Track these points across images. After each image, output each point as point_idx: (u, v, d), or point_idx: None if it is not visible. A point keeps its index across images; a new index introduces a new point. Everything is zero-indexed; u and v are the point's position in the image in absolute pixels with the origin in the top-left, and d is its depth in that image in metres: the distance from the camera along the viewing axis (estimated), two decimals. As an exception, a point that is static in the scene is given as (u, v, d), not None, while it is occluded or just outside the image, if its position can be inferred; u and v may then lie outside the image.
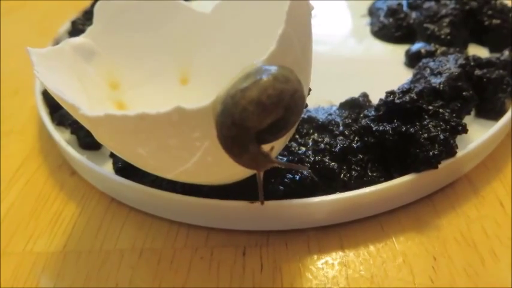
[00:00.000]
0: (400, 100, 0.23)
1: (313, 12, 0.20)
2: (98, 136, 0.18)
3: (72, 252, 0.22)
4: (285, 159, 0.23)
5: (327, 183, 0.22)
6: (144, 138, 0.17)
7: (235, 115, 0.15)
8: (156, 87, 0.24)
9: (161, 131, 0.16)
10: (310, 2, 0.20)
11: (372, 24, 0.35)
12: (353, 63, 0.32)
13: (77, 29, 0.35)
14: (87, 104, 0.21)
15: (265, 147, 0.17)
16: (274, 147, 0.17)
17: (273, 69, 0.15)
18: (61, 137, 0.27)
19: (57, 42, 0.34)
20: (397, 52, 0.32)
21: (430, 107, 0.23)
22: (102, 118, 0.16)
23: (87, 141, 0.26)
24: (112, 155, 0.25)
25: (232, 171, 0.19)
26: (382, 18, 0.34)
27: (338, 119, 0.24)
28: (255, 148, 0.16)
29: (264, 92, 0.15)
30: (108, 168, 0.25)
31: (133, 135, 0.17)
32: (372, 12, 0.36)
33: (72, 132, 0.27)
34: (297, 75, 0.16)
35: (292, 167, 0.21)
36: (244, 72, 0.16)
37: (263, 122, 0.15)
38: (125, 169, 0.24)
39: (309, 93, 0.22)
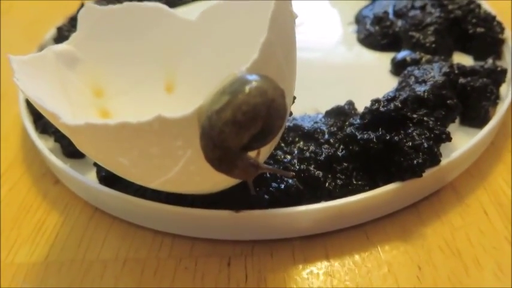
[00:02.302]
0: (385, 108, 0.23)
1: (299, 20, 0.20)
2: (79, 145, 0.18)
3: (54, 262, 0.22)
4: (270, 167, 0.23)
5: (312, 191, 0.22)
6: (126, 147, 0.16)
7: (214, 138, 0.15)
8: (141, 95, 0.24)
9: (142, 140, 0.16)
10: (294, 10, 0.20)
11: (358, 31, 0.35)
12: (340, 70, 0.32)
13: (62, 35, 0.34)
14: (70, 112, 0.21)
15: (252, 152, 0.17)
16: (260, 152, 0.17)
17: (248, 82, 0.15)
18: (44, 145, 0.26)
19: (42, 48, 0.34)
20: (383, 60, 0.32)
21: (415, 115, 0.23)
22: (83, 127, 0.16)
23: (70, 150, 0.26)
24: (96, 164, 0.25)
25: (216, 180, 0.19)
26: (368, 26, 0.34)
27: (324, 127, 0.24)
28: (244, 161, 0.16)
29: (238, 110, 0.15)
30: (92, 177, 0.25)
31: (115, 144, 0.16)
32: (359, 20, 0.36)
33: (55, 140, 0.27)
34: (277, 83, 0.16)
35: (277, 172, 0.21)
36: (222, 84, 0.15)
37: (243, 139, 0.15)
38: (109, 178, 0.23)
39: (293, 102, 0.22)
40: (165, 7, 0.24)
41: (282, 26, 0.18)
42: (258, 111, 0.15)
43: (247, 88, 0.15)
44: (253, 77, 0.15)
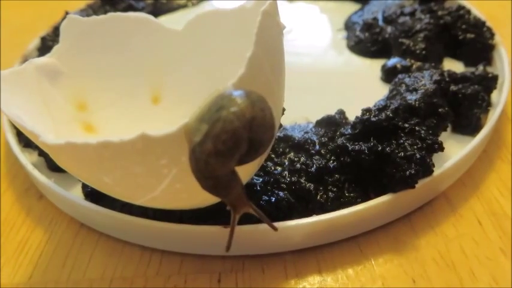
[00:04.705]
0: (376, 118, 0.23)
1: (288, 27, 0.20)
2: (61, 163, 0.18)
3: (38, 283, 0.21)
4: (261, 179, 0.23)
5: (303, 204, 0.22)
6: (108, 166, 0.16)
7: (202, 170, 0.15)
8: (127, 107, 0.24)
9: (126, 159, 0.15)
10: (282, 20, 0.19)
11: (348, 38, 0.35)
12: (330, 78, 0.32)
13: (46, 45, 0.34)
14: (52, 128, 0.20)
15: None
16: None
17: (224, 107, 0.15)
18: (28, 160, 0.25)
19: (25, 58, 0.33)
20: (374, 67, 0.32)
21: (406, 125, 0.23)
22: (63, 146, 0.15)
23: (55, 164, 0.25)
24: (81, 178, 0.24)
25: (204, 197, 0.18)
26: (358, 33, 0.34)
27: (314, 138, 0.24)
28: (238, 182, 0.16)
29: (218, 140, 0.14)
30: (77, 191, 0.24)
31: (97, 164, 0.16)
32: (348, 26, 0.36)
33: (39, 154, 0.26)
34: (258, 95, 0.15)
35: (264, 219, 0.20)
36: (206, 102, 0.15)
37: (231, 164, 0.15)
38: (95, 193, 0.23)
39: (283, 113, 0.22)
40: (150, 17, 0.24)
41: (269, 39, 0.17)
42: (238, 135, 0.14)
43: (223, 113, 0.14)
44: (232, 96, 0.15)
